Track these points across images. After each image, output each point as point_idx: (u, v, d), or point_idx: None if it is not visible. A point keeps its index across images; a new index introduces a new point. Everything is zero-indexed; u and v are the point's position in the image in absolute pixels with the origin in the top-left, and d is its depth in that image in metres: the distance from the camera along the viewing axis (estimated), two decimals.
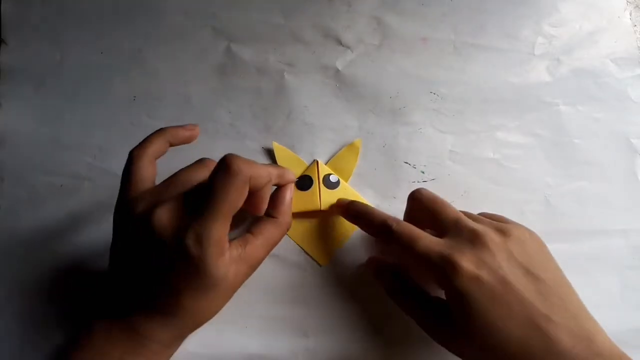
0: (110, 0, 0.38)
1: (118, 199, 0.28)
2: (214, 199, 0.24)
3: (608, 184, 0.36)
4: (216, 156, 0.33)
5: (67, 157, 0.35)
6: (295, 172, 0.34)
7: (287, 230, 0.30)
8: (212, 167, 0.27)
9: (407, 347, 0.32)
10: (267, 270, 0.32)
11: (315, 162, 0.35)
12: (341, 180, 0.34)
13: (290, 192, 0.31)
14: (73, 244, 0.33)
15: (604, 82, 0.38)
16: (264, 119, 0.36)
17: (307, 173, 0.34)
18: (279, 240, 0.30)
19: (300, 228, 0.34)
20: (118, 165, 0.35)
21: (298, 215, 0.34)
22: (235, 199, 0.25)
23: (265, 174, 0.26)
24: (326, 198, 0.34)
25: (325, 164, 0.35)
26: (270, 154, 0.36)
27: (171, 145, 0.30)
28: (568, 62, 0.38)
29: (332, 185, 0.34)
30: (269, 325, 0.32)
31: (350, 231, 0.34)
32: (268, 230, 0.29)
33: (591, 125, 0.37)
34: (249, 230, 0.29)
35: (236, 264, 0.26)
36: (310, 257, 0.34)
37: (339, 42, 0.38)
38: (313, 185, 0.34)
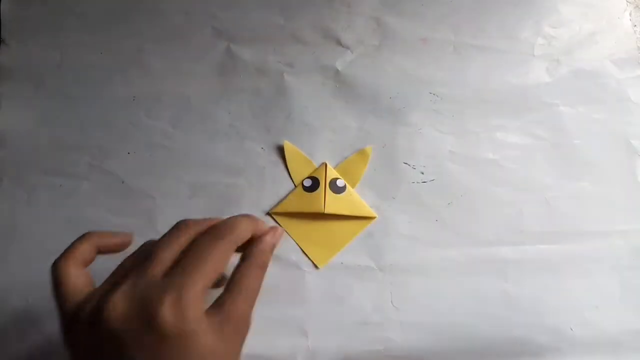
0: (110, 0, 0.38)
1: (59, 320, 0.24)
2: (196, 262, 0.22)
3: (608, 185, 0.36)
4: (215, 156, 0.33)
5: (67, 157, 0.35)
6: (303, 173, 0.35)
7: (264, 269, 0.26)
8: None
9: (407, 347, 0.32)
10: (268, 271, 0.32)
11: (324, 164, 0.35)
12: (347, 186, 0.35)
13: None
14: None
15: (603, 83, 0.38)
16: (264, 119, 0.36)
17: (314, 175, 0.34)
18: (258, 283, 0.25)
19: (302, 228, 0.34)
20: (118, 165, 0.35)
21: (301, 215, 0.34)
22: (220, 261, 0.23)
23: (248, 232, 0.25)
24: (331, 202, 0.34)
25: (334, 168, 0.35)
26: (280, 151, 0.36)
27: (100, 252, 0.26)
28: (568, 63, 0.38)
29: (338, 190, 0.34)
30: (269, 325, 0.32)
31: (351, 236, 0.34)
32: (243, 276, 0.25)
33: (591, 126, 0.37)
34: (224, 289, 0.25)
35: (218, 331, 0.22)
36: (308, 258, 0.34)
37: (339, 43, 0.38)
38: (319, 188, 0.34)
